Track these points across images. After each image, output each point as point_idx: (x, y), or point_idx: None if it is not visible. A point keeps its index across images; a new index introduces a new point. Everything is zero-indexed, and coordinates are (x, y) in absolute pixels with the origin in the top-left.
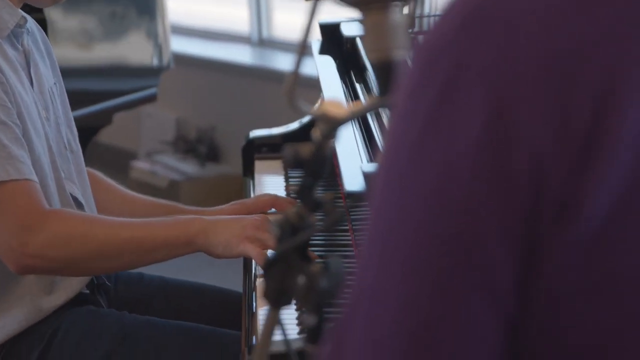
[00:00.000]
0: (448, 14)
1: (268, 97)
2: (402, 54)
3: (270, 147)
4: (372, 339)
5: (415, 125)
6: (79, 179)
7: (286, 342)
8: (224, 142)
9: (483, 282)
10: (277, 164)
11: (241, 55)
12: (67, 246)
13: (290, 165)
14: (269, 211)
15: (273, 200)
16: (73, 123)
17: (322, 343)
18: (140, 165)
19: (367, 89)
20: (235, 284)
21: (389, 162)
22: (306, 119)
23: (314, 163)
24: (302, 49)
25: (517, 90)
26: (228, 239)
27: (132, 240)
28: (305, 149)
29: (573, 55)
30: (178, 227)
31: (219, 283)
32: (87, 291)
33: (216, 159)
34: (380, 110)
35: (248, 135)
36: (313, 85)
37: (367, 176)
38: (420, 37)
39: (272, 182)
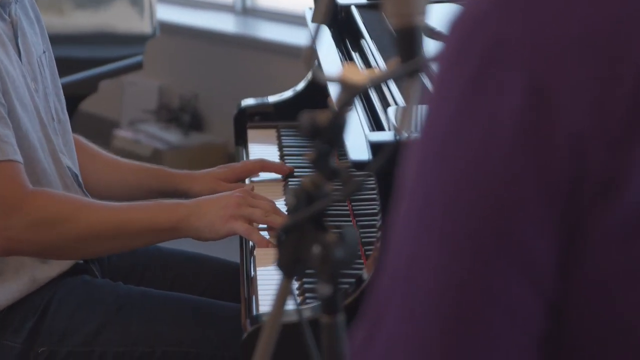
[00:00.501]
0: None
1: (252, 66)
2: (424, 20)
3: (263, 116)
4: (410, 310)
5: (454, 100)
6: (67, 149)
7: (298, 311)
8: (208, 111)
9: (519, 258)
10: (271, 132)
11: (225, 23)
12: (49, 230)
13: (306, 133)
14: (254, 179)
15: (261, 164)
16: (61, 92)
17: (358, 317)
18: (123, 134)
19: (364, 57)
20: (231, 254)
21: (428, 135)
22: (300, 87)
23: (331, 130)
24: (320, 18)
25: (552, 65)
26: (212, 221)
27: (116, 226)
28: (322, 116)
29: (607, 28)
30: (162, 214)
31: (214, 253)
32: (81, 261)
33: (199, 128)
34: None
35: (240, 103)
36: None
37: (373, 145)
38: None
39: (265, 151)
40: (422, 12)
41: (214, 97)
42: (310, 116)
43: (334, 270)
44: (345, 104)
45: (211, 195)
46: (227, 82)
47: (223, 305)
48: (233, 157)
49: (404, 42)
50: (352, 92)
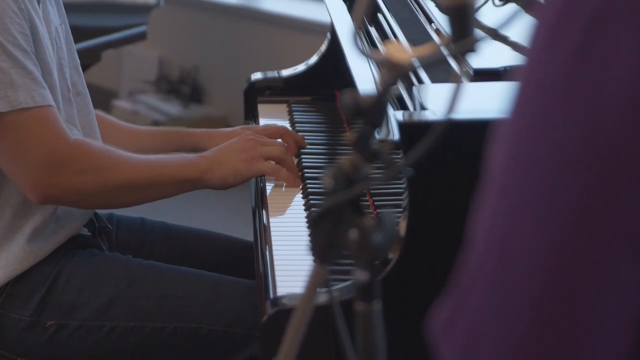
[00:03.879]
0: None
1: (253, 39)
2: None
3: (274, 90)
4: (501, 288)
5: (561, 64)
6: (84, 121)
7: (330, 295)
8: (208, 84)
9: (629, 228)
10: (281, 107)
11: None
12: (92, 179)
13: (348, 113)
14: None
15: (282, 131)
16: (79, 65)
17: (441, 300)
18: (122, 105)
19: (381, 31)
20: (237, 232)
21: (528, 102)
22: (313, 61)
23: (373, 111)
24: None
25: None
26: (234, 166)
27: (150, 177)
28: (364, 96)
29: None
30: (189, 166)
31: (221, 230)
32: (89, 233)
33: (199, 100)
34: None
35: (250, 77)
36: (321, 32)
37: (401, 125)
38: None
39: None
40: None
41: (214, 69)
42: (353, 95)
43: (372, 256)
44: (390, 84)
45: (222, 145)
46: (228, 55)
47: (235, 281)
48: None
49: (456, 21)
50: (397, 72)
